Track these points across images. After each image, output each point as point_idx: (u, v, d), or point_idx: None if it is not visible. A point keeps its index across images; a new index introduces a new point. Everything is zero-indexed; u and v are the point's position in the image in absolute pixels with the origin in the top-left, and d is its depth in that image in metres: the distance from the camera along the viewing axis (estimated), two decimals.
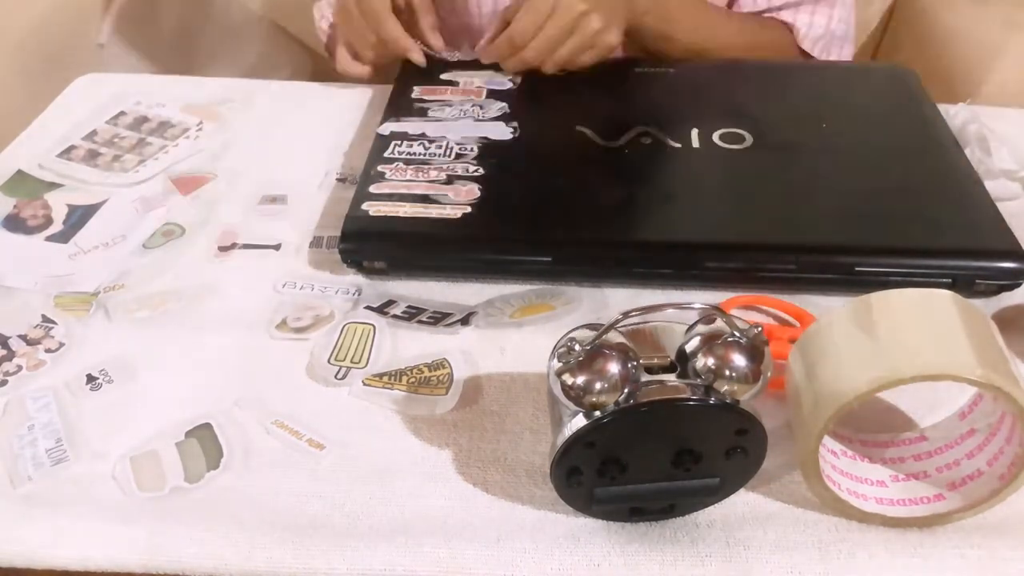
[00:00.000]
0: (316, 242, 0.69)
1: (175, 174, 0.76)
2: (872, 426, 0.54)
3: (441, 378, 0.58)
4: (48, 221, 0.71)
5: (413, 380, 0.58)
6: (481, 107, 0.77)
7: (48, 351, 0.60)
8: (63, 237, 0.70)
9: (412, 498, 0.51)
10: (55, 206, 0.73)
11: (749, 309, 0.63)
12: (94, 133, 0.81)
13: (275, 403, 0.57)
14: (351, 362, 0.59)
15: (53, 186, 0.75)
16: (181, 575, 0.49)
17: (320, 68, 1.36)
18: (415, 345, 0.61)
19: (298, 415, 0.56)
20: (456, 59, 0.83)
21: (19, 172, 0.77)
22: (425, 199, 0.66)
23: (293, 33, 1.34)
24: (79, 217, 0.72)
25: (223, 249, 0.68)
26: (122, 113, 0.83)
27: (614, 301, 0.64)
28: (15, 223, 0.72)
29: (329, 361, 0.59)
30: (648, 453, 0.47)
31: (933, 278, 0.62)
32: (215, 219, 0.72)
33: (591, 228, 0.65)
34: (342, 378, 0.58)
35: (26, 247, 0.69)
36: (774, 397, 0.52)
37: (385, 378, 0.58)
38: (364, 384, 0.58)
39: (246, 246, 0.69)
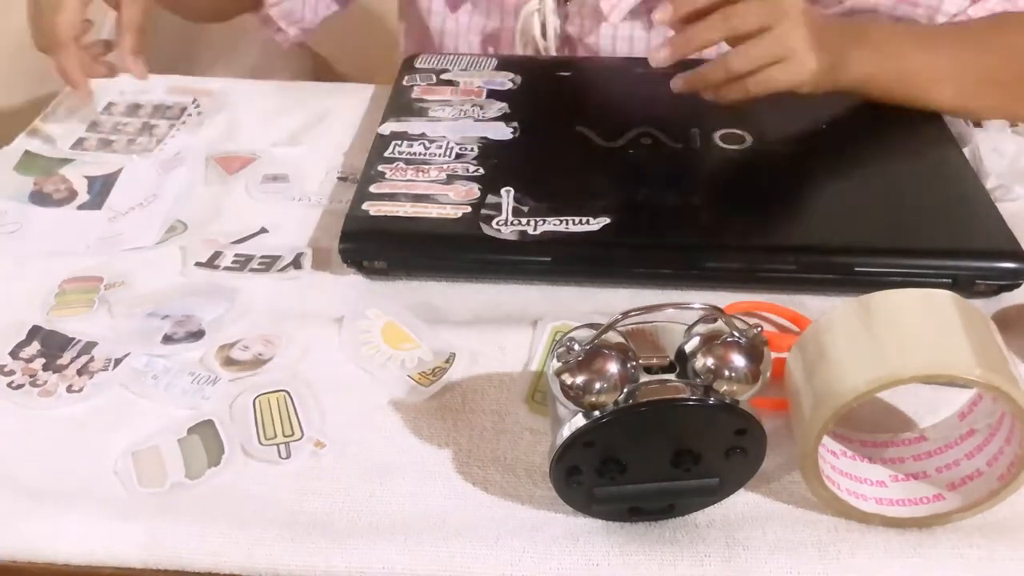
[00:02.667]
0: (316, 242, 0.69)
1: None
2: (872, 426, 0.54)
3: (437, 370, 0.58)
4: (72, 193, 0.73)
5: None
6: (481, 107, 0.77)
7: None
8: (94, 204, 0.72)
9: (412, 497, 0.51)
10: (74, 179, 0.75)
11: (748, 315, 0.63)
12: (96, 124, 0.82)
13: None
14: (284, 436, 0.54)
15: (64, 162, 0.77)
16: (181, 571, 0.49)
17: (320, 68, 1.36)
18: (429, 333, 0.61)
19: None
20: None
21: (27, 153, 0.78)
22: (425, 199, 0.66)
23: None
24: (101, 186, 0.74)
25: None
26: (111, 103, 0.85)
27: (614, 301, 0.64)
28: (41, 198, 0.73)
29: (261, 443, 0.54)
30: (647, 453, 0.47)
31: (933, 278, 0.62)
32: (216, 215, 0.72)
33: (591, 228, 0.65)
34: (286, 457, 0.53)
35: (62, 218, 0.71)
36: (772, 406, 0.52)
37: None
38: None
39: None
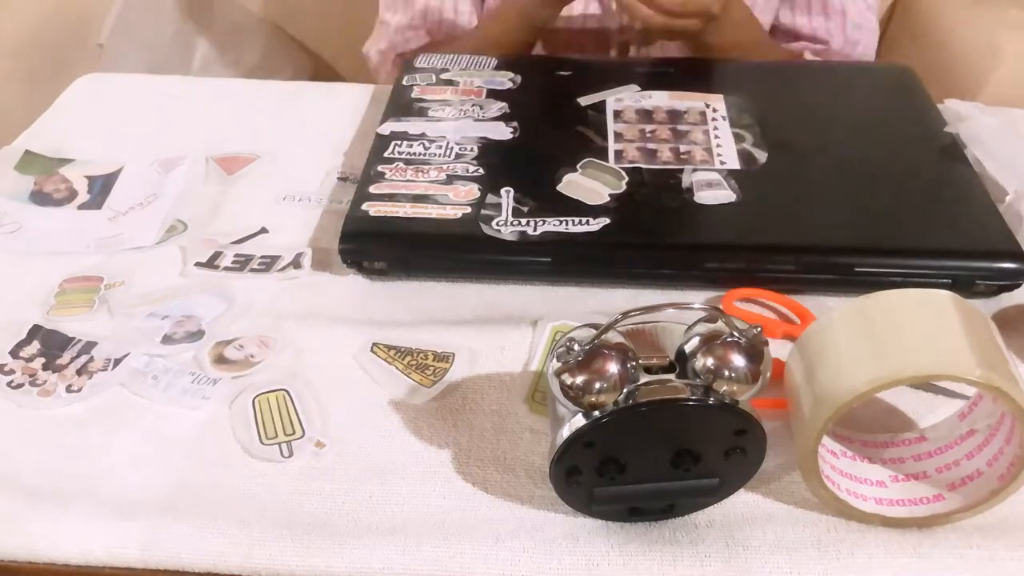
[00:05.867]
0: (316, 242, 0.69)
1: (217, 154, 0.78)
2: (872, 426, 0.54)
3: (438, 370, 0.58)
4: (73, 193, 0.74)
5: (413, 363, 0.58)
6: (481, 107, 0.77)
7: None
8: (94, 204, 0.73)
9: (411, 497, 0.51)
10: (74, 179, 0.75)
11: (748, 301, 0.63)
12: None
13: None
14: (285, 435, 0.54)
15: (64, 161, 0.77)
16: (181, 571, 0.49)
17: (320, 68, 1.36)
18: (429, 333, 0.61)
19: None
20: None
21: (27, 152, 0.78)
22: (425, 199, 0.66)
23: (293, 34, 1.34)
24: (101, 186, 0.74)
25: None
26: None
27: (614, 301, 0.64)
28: (41, 197, 0.73)
29: (263, 442, 0.54)
30: (647, 453, 0.47)
31: (933, 278, 0.62)
32: (216, 215, 0.72)
33: (590, 228, 0.65)
34: (288, 456, 0.53)
35: (62, 218, 0.71)
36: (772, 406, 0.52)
37: (392, 352, 0.59)
38: (371, 351, 0.59)
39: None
